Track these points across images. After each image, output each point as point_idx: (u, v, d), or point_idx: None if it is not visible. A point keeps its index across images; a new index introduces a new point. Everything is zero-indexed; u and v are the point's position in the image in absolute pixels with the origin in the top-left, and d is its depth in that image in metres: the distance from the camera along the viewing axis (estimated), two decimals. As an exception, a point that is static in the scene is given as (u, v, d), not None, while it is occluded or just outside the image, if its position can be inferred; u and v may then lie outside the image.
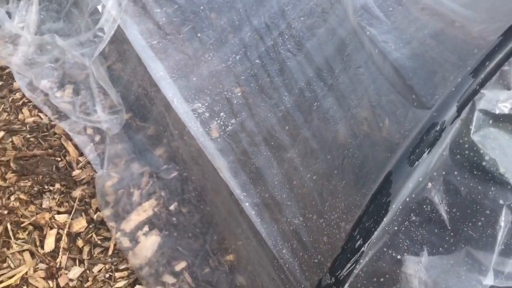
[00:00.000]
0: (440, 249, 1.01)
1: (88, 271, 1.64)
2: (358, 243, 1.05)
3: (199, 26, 1.90)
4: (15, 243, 1.70)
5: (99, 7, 2.11)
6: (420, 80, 1.20)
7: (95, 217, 1.74)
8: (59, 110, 2.07)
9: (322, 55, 1.56)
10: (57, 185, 1.85)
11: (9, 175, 1.91)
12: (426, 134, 1.03)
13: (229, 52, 1.78)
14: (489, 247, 0.97)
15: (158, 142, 1.83)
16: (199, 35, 1.86)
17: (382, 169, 1.09)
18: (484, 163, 0.99)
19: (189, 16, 1.96)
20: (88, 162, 1.90)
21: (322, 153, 1.30)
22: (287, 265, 1.24)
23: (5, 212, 1.77)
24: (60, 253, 1.68)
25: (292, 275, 1.22)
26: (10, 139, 2.01)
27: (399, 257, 1.04)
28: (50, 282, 1.62)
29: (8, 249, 1.70)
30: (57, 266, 1.65)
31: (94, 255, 1.67)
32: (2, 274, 1.63)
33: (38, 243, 1.70)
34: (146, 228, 1.66)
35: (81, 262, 1.66)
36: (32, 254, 1.68)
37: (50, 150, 1.96)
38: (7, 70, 2.28)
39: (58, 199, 1.81)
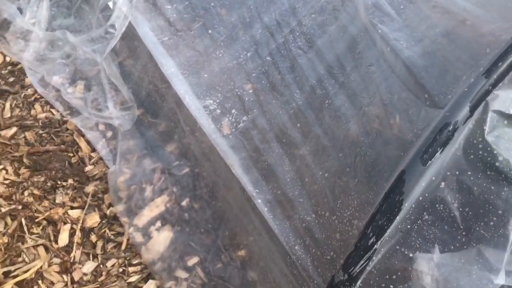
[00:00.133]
0: (452, 247, 1.03)
1: (101, 266, 1.66)
2: (371, 240, 1.07)
3: (210, 23, 1.91)
4: (30, 238, 1.73)
5: (110, 4, 2.12)
6: (432, 78, 1.22)
7: (108, 212, 1.77)
8: (71, 106, 2.08)
9: (333, 52, 1.57)
10: (70, 181, 1.87)
11: (23, 170, 1.93)
12: (439, 133, 1.05)
13: (240, 49, 1.79)
14: (501, 247, 0.98)
15: (170, 138, 1.85)
16: (210, 31, 1.88)
17: (395, 168, 1.11)
18: (497, 164, 1.01)
19: (199, 13, 1.97)
20: (101, 158, 1.92)
21: (334, 151, 1.31)
22: (299, 261, 1.25)
23: (20, 207, 1.80)
24: (74, 248, 1.70)
25: (304, 271, 1.24)
26: (23, 135, 2.04)
27: (411, 255, 1.05)
28: (64, 276, 1.65)
29: (23, 243, 1.73)
30: (71, 261, 1.67)
31: (108, 250, 1.70)
32: (17, 268, 1.66)
33: (52, 238, 1.73)
34: (158, 224, 1.68)
35: (95, 256, 1.69)
36: (47, 249, 1.71)
37: (62, 146, 1.98)
38: (19, 66, 2.29)
39: (71, 195, 1.83)
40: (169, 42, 1.93)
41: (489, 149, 1.02)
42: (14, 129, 2.05)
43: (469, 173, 1.03)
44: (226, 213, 1.63)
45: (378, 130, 1.23)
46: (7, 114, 2.10)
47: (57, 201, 1.82)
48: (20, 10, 2.42)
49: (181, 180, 1.75)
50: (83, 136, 1.99)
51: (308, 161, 1.36)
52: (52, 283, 1.63)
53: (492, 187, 1.00)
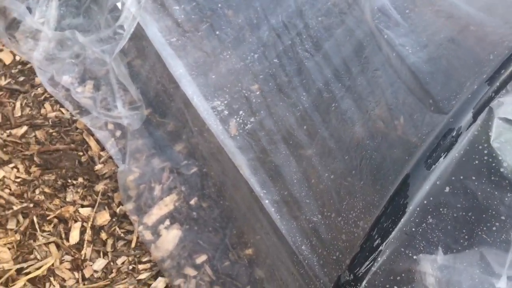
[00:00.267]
0: (455, 251, 1.06)
1: (112, 263, 1.70)
2: (376, 242, 1.10)
3: (217, 24, 1.94)
4: (41, 236, 1.77)
5: (119, 4, 2.15)
6: (436, 84, 1.25)
7: (118, 210, 1.81)
8: (80, 105, 2.12)
9: (340, 56, 1.60)
10: (80, 179, 1.91)
11: (33, 169, 1.97)
12: (443, 139, 1.08)
13: (247, 50, 1.82)
14: (503, 252, 1.02)
15: (178, 138, 1.89)
16: (217, 33, 1.91)
17: (400, 172, 1.14)
18: (502, 169, 1.04)
19: (207, 14, 2.00)
20: (110, 157, 1.95)
21: (340, 153, 1.35)
22: (306, 261, 1.29)
23: (31, 205, 1.84)
24: (85, 246, 1.74)
25: (311, 270, 1.28)
26: (33, 134, 2.07)
27: (415, 257, 1.09)
28: (75, 273, 1.69)
29: (34, 241, 1.77)
30: (82, 258, 1.71)
31: (118, 248, 1.74)
32: (29, 265, 1.70)
33: (63, 236, 1.77)
34: (167, 222, 1.72)
35: (105, 254, 1.73)
36: (58, 246, 1.75)
37: (72, 145, 2.02)
38: (28, 65, 2.33)
39: (82, 193, 1.87)
40: (177, 43, 1.96)
41: (494, 155, 1.05)
42: (24, 128, 2.09)
43: (473, 178, 1.07)
44: (234, 212, 1.67)
45: (383, 133, 1.26)
46: (18, 113, 2.14)
47: (67, 200, 1.85)
48: (29, 9, 2.45)
49: (189, 180, 1.78)
50: (92, 135, 2.02)
51: (314, 163, 1.39)
52: (64, 280, 1.67)
53: (496, 193, 1.04)
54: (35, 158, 1.99)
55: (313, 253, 1.28)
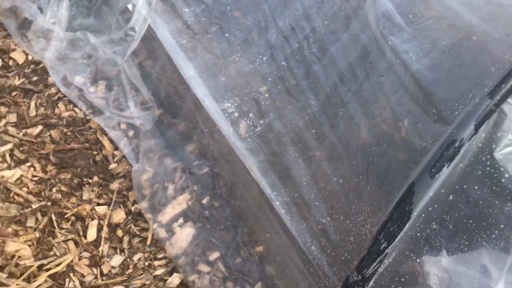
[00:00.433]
0: (455, 256, 1.14)
1: (128, 259, 1.78)
2: (383, 245, 1.18)
3: (226, 26, 1.99)
4: (60, 233, 1.85)
5: (129, 6, 2.21)
6: (439, 93, 1.31)
7: (133, 209, 1.88)
8: (93, 105, 2.19)
9: (346, 60, 1.66)
10: (95, 178, 1.99)
11: (49, 167, 2.04)
12: (446, 149, 1.15)
13: (256, 53, 1.88)
14: (501, 258, 1.09)
15: (189, 138, 1.96)
16: (226, 35, 1.96)
17: (405, 178, 1.21)
18: (503, 180, 1.11)
19: (216, 16, 2.05)
20: (124, 156, 2.02)
21: (348, 158, 1.42)
22: (316, 261, 1.37)
23: (49, 203, 1.91)
24: (102, 243, 1.82)
25: (320, 269, 1.36)
26: (48, 133, 2.14)
27: (418, 260, 1.16)
28: (94, 269, 1.77)
29: (53, 238, 1.85)
30: (100, 255, 1.79)
31: (134, 245, 1.82)
32: (50, 262, 1.78)
33: (81, 233, 1.84)
34: (181, 220, 1.80)
35: (122, 251, 1.81)
36: (76, 243, 1.82)
37: (86, 144, 2.09)
38: (41, 65, 2.39)
39: (97, 192, 1.95)
40: (187, 45, 2.02)
41: (496, 166, 1.12)
42: (39, 128, 2.16)
43: (476, 187, 1.14)
44: (245, 211, 1.74)
45: (389, 140, 1.33)
46: (33, 112, 2.21)
47: (84, 198, 1.93)
48: (40, 9, 2.51)
49: (201, 179, 1.86)
50: (106, 134, 2.09)
51: (323, 167, 1.46)
52: (83, 276, 1.75)
53: (496, 202, 1.11)
54: (51, 157, 2.06)
55: (322, 253, 1.36)
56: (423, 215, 1.16)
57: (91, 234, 1.84)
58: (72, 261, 1.78)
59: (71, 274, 1.76)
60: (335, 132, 1.49)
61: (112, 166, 2.02)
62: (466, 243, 1.13)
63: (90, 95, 2.22)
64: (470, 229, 1.13)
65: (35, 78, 2.35)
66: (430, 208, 1.16)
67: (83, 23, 2.47)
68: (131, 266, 1.77)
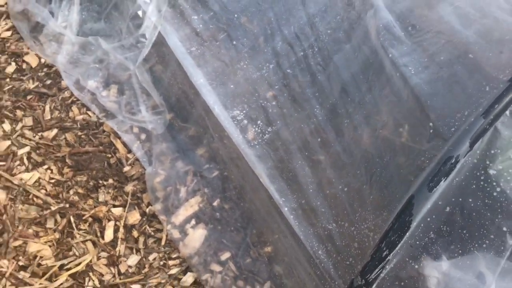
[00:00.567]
0: (453, 261, 1.24)
1: (144, 259, 1.89)
2: (385, 253, 1.28)
3: (234, 34, 2.07)
4: (78, 234, 1.96)
5: (140, 12, 2.29)
6: (437, 109, 1.41)
7: (147, 210, 1.99)
8: (106, 108, 2.28)
9: (349, 71, 1.75)
10: (110, 180, 2.09)
11: (66, 170, 2.14)
12: (443, 165, 1.25)
13: (263, 60, 1.96)
14: (493, 266, 1.20)
15: (199, 142, 2.05)
16: (234, 42, 2.05)
17: (406, 191, 1.31)
18: (495, 194, 1.21)
19: (224, 23, 2.13)
20: (137, 159, 2.12)
21: (353, 168, 1.51)
22: (322, 264, 1.47)
23: (67, 205, 2.02)
24: (119, 243, 1.93)
25: (326, 272, 1.46)
26: (63, 136, 2.24)
27: (417, 266, 1.27)
28: (112, 268, 1.88)
29: (72, 239, 1.95)
30: (117, 255, 1.90)
31: (149, 245, 1.92)
32: (70, 262, 1.89)
33: (98, 234, 1.95)
34: (193, 222, 1.90)
35: (138, 251, 1.92)
36: (94, 244, 1.93)
37: (100, 147, 2.19)
38: (54, 68, 2.47)
39: (113, 193, 2.05)
40: (196, 53, 2.10)
41: (489, 181, 1.22)
42: (55, 131, 2.25)
43: (470, 200, 1.24)
44: (254, 214, 1.85)
45: (390, 153, 1.43)
46: (48, 116, 2.30)
47: (100, 200, 2.03)
48: (52, 13, 2.59)
49: (211, 182, 1.96)
50: (119, 138, 2.19)
51: (329, 175, 1.56)
52: (102, 275, 1.86)
53: (488, 214, 1.21)
54: (67, 160, 2.16)
55: (328, 258, 1.47)
56: (422, 225, 1.26)
57: (108, 235, 1.94)
58: (91, 261, 1.89)
59: (91, 274, 1.87)
60: (340, 142, 1.59)
61: (126, 168, 2.11)
62: (460, 251, 1.23)
63: (103, 99, 2.31)
64: (464, 238, 1.23)
65: (48, 82, 2.43)
66: (428, 219, 1.26)
67: (94, 27, 2.55)
68: (147, 266, 1.87)
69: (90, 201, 2.04)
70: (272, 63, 1.93)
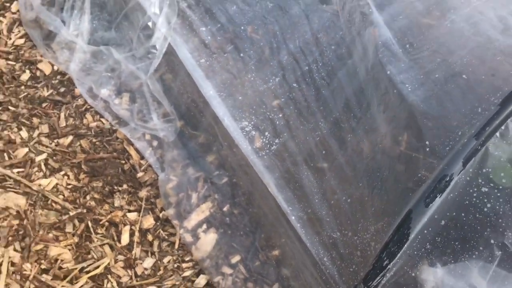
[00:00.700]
0: (448, 267, 1.37)
1: (159, 262, 2.02)
2: (385, 262, 1.41)
3: (241, 46, 2.18)
4: (96, 238, 2.08)
5: (150, 24, 2.39)
6: (432, 128, 1.52)
7: (161, 215, 2.11)
8: (118, 116, 2.39)
9: (351, 87, 1.86)
10: (125, 186, 2.21)
11: (82, 176, 2.26)
12: (438, 183, 1.37)
13: (269, 73, 2.07)
14: (482, 274, 1.32)
15: (209, 149, 2.17)
16: (241, 55, 2.15)
17: (405, 205, 1.44)
18: (485, 209, 1.33)
19: (231, 36, 2.24)
20: (149, 165, 2.24)
21: (355, 181, 1.64)
22: (327, 271, 1.60)
23: (84, 210, 2.14)
24: (135, 246, 2.05)
25: (332, 278, 1.59)
26: (78, 143, 2.35)
27: (414, 274, 1.40)
28: (129, 270, 2.01)
29: (90, 242, 2.08)
30: (133, 258, 2.03)
31: (163, 248, 2.05)
32: (89, 265, 2.02)
33: (115, 238, 2.07)
34: (204, 226, 2.03)
35: (153, 254, 2.04)
36: (111, 247, 2.06)
37: (114, 154, 2.30)
38: (67, 76, 2.58)
39: (127, 199, 2.17)
40: (205, 64, 2.21)
41: (481, 197, 1.34)
42: (70, 138, 2.37)
43: (462, 214, 1.36)
44: (262, 219, 1.97)
45: (389, 168, 1.55)
46: (63, 123, 2.41)
47: (115, 205, 2.15)
48: (63, 22, 2.69)
49: (221, 189, 2.08)
50: (132, 144, 2.30)
51: (333, 186, 1.68)
52: (119, 277, 1.99)
53: (478, 227, 1.33)
54: (83, 166, 2.28)
55: (333, 265, 1.59)
56: (419, 237, 1.38)
57: (125, 238, 2.07)
58: (109, 263, 2.02)
59: (109, 276, 2.00)
60: (343, 155, 1.71)
61: (140, 174, 2.23)
62: (453, 261, 1.36)
63: (115, 107, 2.42)
64: (456, 249, 1.36)
65: (62, 89, 2.54)
66: (425, 231, 1.38)
67: (105, 36, 2.66)
68: (161, 268, 2.00)
69: (106, 206, 2.16)
70: (278, 76, 2.03)
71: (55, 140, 2.37)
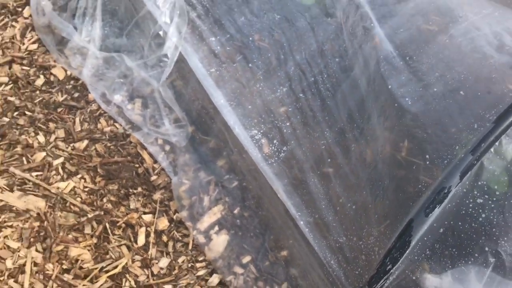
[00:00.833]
0: (447, 272, 1.51)
1: (174, 262, 2.15)
2: (388, 267, 1.54)
3: (249, 56, 2.29)
4: (113, 239, 2.21)
5: (161, 33, 2.50)
6: (431, 141, 1.65)
7: (174, 217, 2.24)
8: (131, 121, 2.51)
9: (354, 98, 1.98)
10: (139, 189, 2.33)
11: (98, 179, 2.38)
12: (437, 194, 1.50)
13: (277, 84, 2.19)
14: (478, 279, 1.46)
15: (219, 154, 2.29)
16: (250, 65, 2.27)
17: (406, 213, 1.57)
18: (480, 219, 1.47)
19: (240, 46, 2.35)
20: (162, 169, 2.36)
21: (359, 189, 1.76)
22: (334, 273, 1.73)
23: (102, 213, 2.26)
24: (150, 247, 2.18)
25: (338, 280, 1.72)
26: (94, 147, 2.47)
27: (414, 278, 1.53)
28: (145, 270, 2.14)
29: (108, 243, 2.21)
30: (149, 258, 2.16)
31: (177, 249, 2.18)
32: (108, 264, 2.14)
33: (132, 239, 2.20)
34: (216, 228, 2.16)
35: (168, 254, 2.17)
36: (129, 248, 2.19)
37: (129, 157, 2.43)
38: (80, 81, 2.69)
39: (142, 201, 2.30)
40: (216, 74, 2.33)
41: (476, 208, 1.47)
42: (85, 142, 2.48)
43: (459, 223, 1.49)
44: (271, 221, 2.10)
45: (390, 178, 1.68)
46: (78, 128, 2.53)
47: (131, 207, 2.28)
48: (75, 28, 2.79)
49: (232, 192, 2.21)
50: (145, 149, 2.42)
51: (338, 193, 1.81)
52: (137, 276, 2.12)
53: (474, 236, 1.47)
54: (99, 170, 2.40)
55: (339, 267, 1.72)
56: (419, 243, 1.51)
57: (141, 239, 2.19)
58: (126, 263, 2.15)
59: (127, 275, 2.13)
60: (348, 164, 1.83)
61: (153, 178, 2.36)
62: (450, 266, 1.49)
63: (128, 112, 2.53)
64: (453, 255, 1.49)
65: (76, 95, 2.65)
66: (425, 238, 1.51)
67: (116, 42, 2.76)
68: (176, 267, 2.13)
69: (122, 209, 2.28)
70: (286, 86, 2.15)
71: (71, 144, 2.48)
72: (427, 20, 2.05)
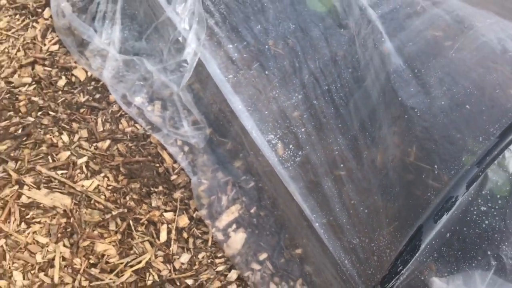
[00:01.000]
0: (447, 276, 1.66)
1: (194, 257, 2.30)
2: (399, 268, 1.69)
3: (265, 64, 2.42)
4: (137, 235, 2.35)
5: (180, 38, 2.62)
6: (439, 153, 1.79)
7: (194, 215, 2.38)
8: (151, 122, 2.64)
9: (366, 108, 2.11)
10: (160, 188, 2.47)
11: (121, 178, 2.52)
12: (445, 203, 1.64)
13: (292, 91, 2.32)
14: (481, 281, 1.61)
15: (236, 156, 2.43)
16: (266, 72, 2.40)
17: (415, 219, 1.71)
18: (484, 225, 1.62)
19: (257, 54, 2.47)
20: (182, 169, 2.50)
21: (371, 194, 1.91)
22: (348, 272, 1.88)
23: (125, 210, 2.40)
24: (172, 243, 2.33)
25: (351, 278, 1.87)
26: (116, 147, 2.61)
27: (423, 278, 1.68)
28: (167, 265, 2.29)
29: (132, 239, 2.35)
30: (171, 253, 2.31)
31: (197, 245, 2.33)
32: (132, 260, 2.29)
33: (154, 235, 2.35)
34: (234, 226, 2.30)
35: (188, 250, 2.32)
36: (151, 244, 2.33)
37: (149, 157, 2.56)
38: (101, 82, 2.81)
39: (163, 200, 2.44)
40: (233, 80, 2.45)
41: (480, 215, 1.62)
42: (108, 142, 2.62)
43: (464, 229, 1.64)
44: (285, 221, 2.25)
45: (400, 185, 1.82)
46: (100, 128, 2.66)
47: (153, 205, 2.42)
48: (95, 31, 2.91)
49: (248, 192, 2.35)
50: (165, 149, 2.56)
51: (352, 197, 1.96)
52: (159, 271, 2.27)
53: (478, 240, 1.62)
54: (121, 169, 2.54)
55: (353, 267, 1.87)
56: (428, 247, 1.66)
57: (163, 236, 2.34)
58: (150, 259, 2.29)
59: (150, 270, 2.27)
60: (360, 170, 1.97)
61: (173, 177, 2.50)
62: (456, 268, 1.64)
63: (148, 114, 2.67)
64: (458, 258, 1.64)
65: (97, 96, 2.78)
66: (433, 242, 1.66)
67: (135, 45, 2.88)
68: (197, 263, 2.28)
69: (145, 206, 2.42)
70: (301, 94, 2.28)
71: (94, 144, 2.61)
72: (434, 36, 2.18)
